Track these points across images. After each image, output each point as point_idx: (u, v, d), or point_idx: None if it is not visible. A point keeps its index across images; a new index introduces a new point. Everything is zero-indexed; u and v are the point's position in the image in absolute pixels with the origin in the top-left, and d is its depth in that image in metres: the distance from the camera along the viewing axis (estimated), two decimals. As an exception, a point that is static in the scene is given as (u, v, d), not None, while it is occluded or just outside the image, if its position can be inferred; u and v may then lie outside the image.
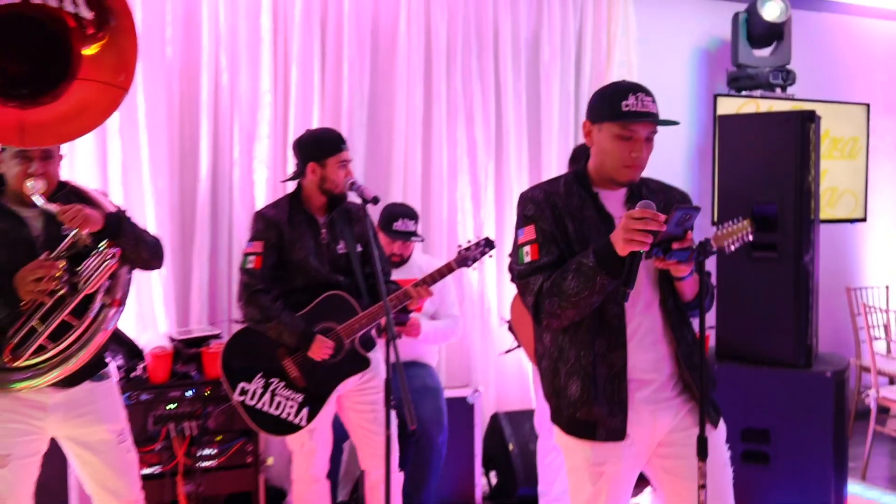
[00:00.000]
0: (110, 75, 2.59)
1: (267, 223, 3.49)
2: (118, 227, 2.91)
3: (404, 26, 5.00)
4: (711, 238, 3.79)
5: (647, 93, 2.42)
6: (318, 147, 3.50)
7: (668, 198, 2.56)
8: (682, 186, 5.64)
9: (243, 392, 3.47)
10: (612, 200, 2.51)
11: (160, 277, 4.50)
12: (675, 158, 5.77)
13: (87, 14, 2.57)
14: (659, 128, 2.46)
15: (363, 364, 3.54)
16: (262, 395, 3.46)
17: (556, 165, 5.32)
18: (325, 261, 3.53)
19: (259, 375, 3.47)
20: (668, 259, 2.29)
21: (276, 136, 4.76)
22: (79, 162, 4.40)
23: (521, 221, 2.49)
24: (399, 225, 4.25)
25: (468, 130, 5.20)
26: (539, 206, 2.46)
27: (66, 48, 2.59)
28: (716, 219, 4.99)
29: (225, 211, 4.68)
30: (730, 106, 5.37)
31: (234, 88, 4.69)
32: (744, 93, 5.52)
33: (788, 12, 5.54)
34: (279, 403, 3.45)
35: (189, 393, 4.01)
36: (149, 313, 4.52)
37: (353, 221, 3.63)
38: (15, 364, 2.78)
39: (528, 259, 2.44)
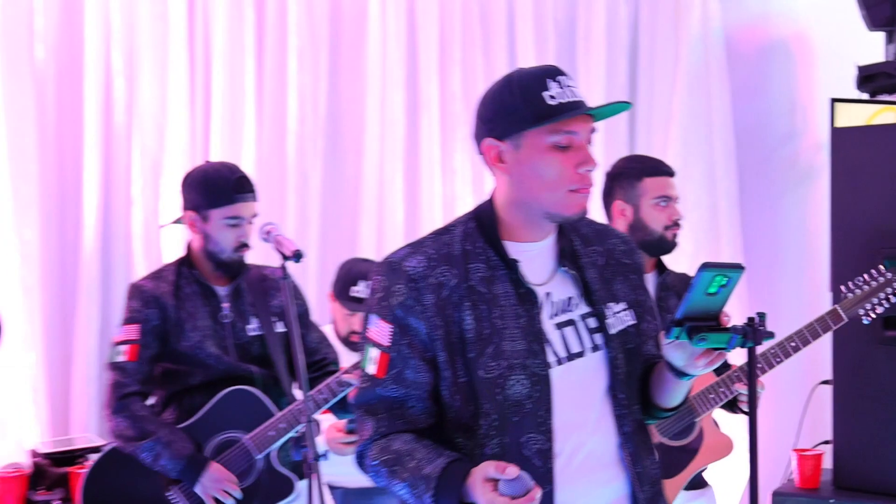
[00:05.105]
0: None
1: (144, 299, 3.52)
2: None
3: (377, 4, 5.05)
4: (838, 305, 3.71)
5: (568, 75, 2.29)
6: (201, 191, 3.52)
7: (609, 250, 2.43)
8: (789, 231, 5.72)
9: (115, 542, 3.52)
10: (537, 264, 2.34)
11: (29, 364, 4.48)
12: (774, 191, 5.66)
13: None
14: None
15: (285, 489, 3.54)
16: (138, 544, 3.53)
17: (598, 199, 5.23)
18: (229, 346, 3.55)
19: None
20: (695, 346, 2.13)
21: (194, 165, 4.72)
22: None
23: (379, 310, 2.31)
24: (361, 290, 4.17)
25: (473, 154, 5.08)
26: (415, 287, 2.28)
27: None
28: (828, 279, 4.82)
29: (120, 271, 4.69)
30: (856, 116, 5.26)
31: (133, 100, 4.75)
32: (884, 96, 5.35)
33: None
34: None
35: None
36: (11, 416, 4.48)
37: (269, 291, 3.63)
38: None
39: (371, 370, 2.30)
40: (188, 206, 3.55)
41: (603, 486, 2.29)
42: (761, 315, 2.18)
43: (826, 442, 4.64)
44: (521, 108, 2.23)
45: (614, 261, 2.42)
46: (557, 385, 2.25)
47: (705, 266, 2.06)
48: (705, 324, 2.13)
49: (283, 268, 3.24)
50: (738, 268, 2.10)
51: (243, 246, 3.50)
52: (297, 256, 3.19)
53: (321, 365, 3.74)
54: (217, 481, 3.42)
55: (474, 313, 2.24)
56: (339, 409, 3.61)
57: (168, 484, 3.47)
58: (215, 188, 3.50)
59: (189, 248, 3.62)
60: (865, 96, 5.45)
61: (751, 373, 2.26)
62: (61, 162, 4.72)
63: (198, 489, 3.42)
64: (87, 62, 4.66)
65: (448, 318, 2.24)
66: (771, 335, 2.19)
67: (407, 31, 5.13)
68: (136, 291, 3.55)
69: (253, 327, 3.59)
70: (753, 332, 2.15)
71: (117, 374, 3.48)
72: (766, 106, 5.68)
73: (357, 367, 3.39)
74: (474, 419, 2.23)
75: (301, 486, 3.54)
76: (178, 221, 3.68)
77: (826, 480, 4.54)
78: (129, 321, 3.51)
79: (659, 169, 3.68)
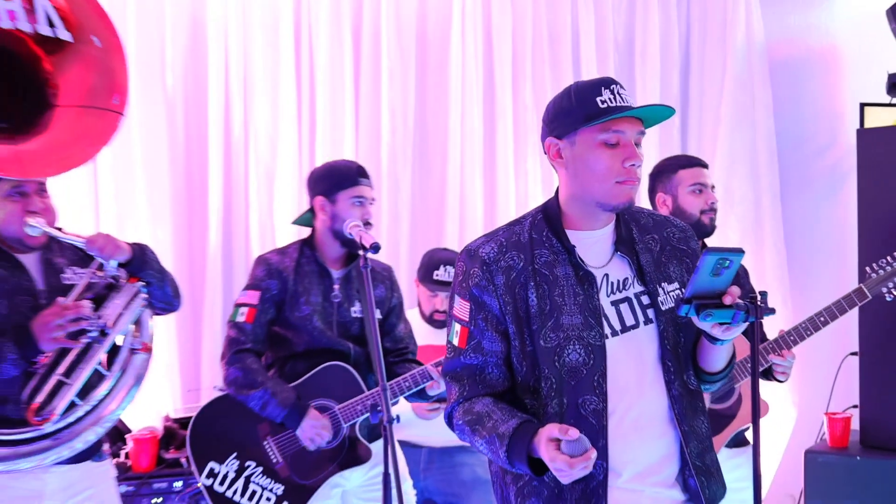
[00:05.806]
0: (99, 98, 3.11)
1: (269, 270, 3.78)
2: (143, 258, 3.30)
3: (458, 29, 5.38)
4: (863, 283, 3.79)
5: (622, 86, 2.45)
6: (329, 178, 3.77)
7: (665, 237, 2.58)
8: (824, 221, 5.79)
9: (212, 474, 3.73)
10: (596, 249, 2.51)
11: (164, 344, 4.87)
12: (812, 187, 5.84)
13: (47, 32, 3.09)
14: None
15: (363, 456, 3.79)
16: (234, 480, 3.74)
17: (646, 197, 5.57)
18: (332, 323, 3.81)
19: (233, 456, 3.76)
20: (702, 322, 2.26)
21: (301, 172, 5.11)
22: (63, 209, 4.90)
23: (460, 290, 2.51)
24: (441, 274, 4.48)
25: (543, 158, 5.39)
26: (488, 270, 2.45)
27: (35, 75, 3.13)
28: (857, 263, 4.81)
29: (241, 263, 5.06)
30: (884, 118, 5.31)
31: (249, 117, 5.14)
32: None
33: None
34: (253, 493, 3.71)
35: (177, 484, 4.31)
36: (148, 389, 4.76)
37: (374, 281, 3.83)
38: (45, 427, 3.03)
39: (455, 341, 2.51)
40: (317, 192, 3.76)
41: (653, 441, 2.44)
42: (763, 293, 2.28)
43: (854, 406, 4.77)
44: (575, 110, 2.41)
45: (670, 247, 2.55)
46: (612, 353, 2.40)
47: (709, 250, 2.16)
48: (711, 301, 2.23)
49: (364, 258, 3.39)
50: (738, 251, 2.19)
51: (367, 224, 3.66)
52: (375, 248, 3.39)
53: (402, 352, 3.99)
54: (314, 426, 3.65)
55: (537, 292, 2.42)
56: (416, 396, 3.87)
57: (265, 435, 3.73)
58: (341, 174, 3.74)
59: (313, 231, 3.83)
60: (895, 101, 5.76)
61: (753, 344, 2.35)
62: (189, 172, 5.10)
63: (298, 432, 3.65)
64: (210, 87, 5.05)
65: (516, 296, 2.42)
66: (771, 311, 2.27)
67: (484, 51, 5.39)
68: (263, 262, 3.80)
69: (356, 310, 3.83)
70: (755, 308, 2.24)
71: (235, 332, 3.73)
72: (805, 111, 5.85)
73: (440, 364, 3.70)
74: (537, 382, 2.41)
75: (377, 450, 3.76)
76: (297, 221, 3.94)
77: (854, 440, 4.67)
78: (251, 287, 3.76)
79: (692, 161, 3.91)
